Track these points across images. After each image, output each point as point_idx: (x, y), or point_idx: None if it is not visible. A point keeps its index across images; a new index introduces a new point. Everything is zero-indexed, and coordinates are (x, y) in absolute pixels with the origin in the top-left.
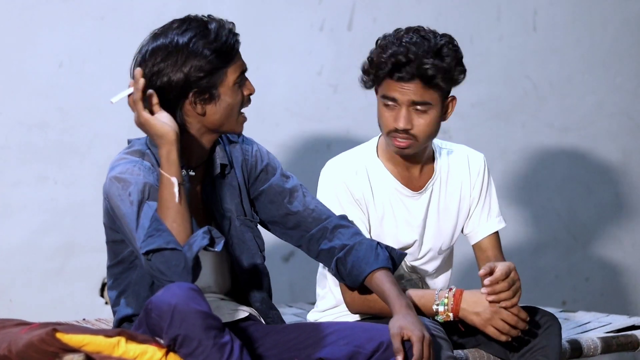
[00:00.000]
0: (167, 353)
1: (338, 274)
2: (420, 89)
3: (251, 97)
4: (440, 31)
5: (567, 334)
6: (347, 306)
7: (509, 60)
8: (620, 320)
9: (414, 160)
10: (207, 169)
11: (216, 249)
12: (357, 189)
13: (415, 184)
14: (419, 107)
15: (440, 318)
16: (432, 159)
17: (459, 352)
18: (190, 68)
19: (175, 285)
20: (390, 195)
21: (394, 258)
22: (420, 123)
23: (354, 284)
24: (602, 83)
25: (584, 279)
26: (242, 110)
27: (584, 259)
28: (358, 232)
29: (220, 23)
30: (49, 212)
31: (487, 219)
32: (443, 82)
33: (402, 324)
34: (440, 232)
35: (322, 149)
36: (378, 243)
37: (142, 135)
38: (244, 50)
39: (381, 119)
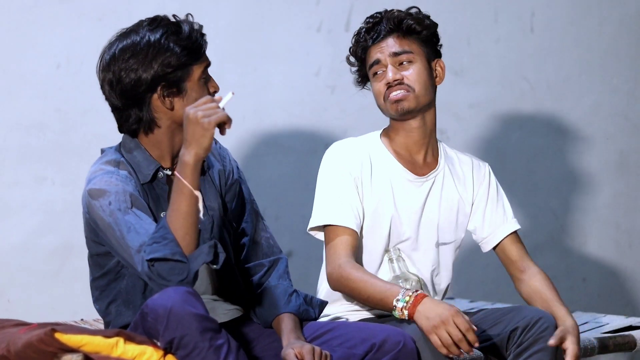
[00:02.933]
0: (165, 354)
1: (252, 310)
2: (396, 39)
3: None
4: (438, 33)
5: None
6: (327, 280)
7: (506, 62)
8: (617, 321)
9: (420, 139)
10: None
11: (216, 266)
12: (356, 166)
13: (419, 171)
14: (401, 58)
15: (396, 314)
16: (436, 153)
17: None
18: (160, 63)
19: (171, 289)
20: (391, 177)
21: (312, 307)
22: (409, 73)
23: (265, 324)
24: (599, 84)
25: (581, 279)
26: None
27: (581, 259)
28: (282, 275)
29: (190, 24)
30: (47, 213)
31: (503, 220)
32: (416, 24)
33: (292, 345)
34: (438, 224)
35: (319, 149)
36: (295, 290)
37: (114, 144)
38: (242, 51)
39: (374, 90)
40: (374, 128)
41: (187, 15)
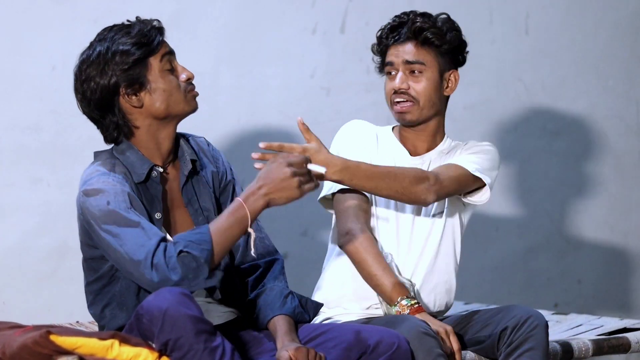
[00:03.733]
0: (160, 356)
1: (247, 311)
2: (413, 48)
3: (192, 80)
4: (465, 41)
5: (558, 336)
6: (339, 243)
7: (501, 64)
8: (612, 323)
9: (423, 143)
10: (179, 166)
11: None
12: (370, 140)
13: (418, 153)
14: (413, 67)
15: (394, 309)
16: (442, 138)
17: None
18: (113, 66)
19: (166, 290)
20: (395, 157)
21: (308, 309)
22: (417, 85)
23: (260, 326)
24: (594, 86)
25: (575, 281)
26: (191, 90)
27: (576, 261)
28: (277, 276)
29: (142, 21)
30: (43, 214)
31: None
32: (434, 37)
33: (286, 347)
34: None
35: None
36: (290, 292)
37: (108, 146)
38: (238, 52)
39: (385, 90)
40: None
41: (137, 17)
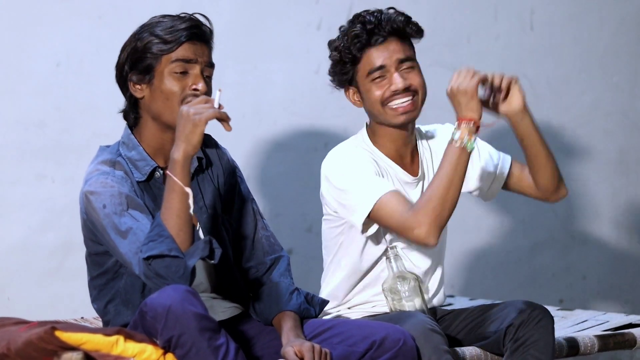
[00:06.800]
0: (165, 353)
1: (253, 307)
2: (399, 45)
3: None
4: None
5: (564, 332)
6: (414, 237)
7: (506, 59)
8: (617, 319)
9: (406, 142)
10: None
11: (213, 261)
12: (371, 163)
13: (411, 170)
14: (406, 64)
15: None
16: (415, 144)
17: (453, 348)
18: (132, 47)
19: (170, 287)
20: (394, 180)
21: (313, 305)
22: (415, 78)
23: (265, 322)
24: (599, 82)
25: (581, 277)
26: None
27: (581, 257)
28: (283, 273)
29: (183, 19)
30: (47, 211)
31: (497, 160)
32: (415, 31)
33: (291, 343)
34: None
35: (319, 147)
36: (296, 288)
37: (113, 142)
38: (242, 48)
39: (373, 95)
40: None
41: (193, 13)
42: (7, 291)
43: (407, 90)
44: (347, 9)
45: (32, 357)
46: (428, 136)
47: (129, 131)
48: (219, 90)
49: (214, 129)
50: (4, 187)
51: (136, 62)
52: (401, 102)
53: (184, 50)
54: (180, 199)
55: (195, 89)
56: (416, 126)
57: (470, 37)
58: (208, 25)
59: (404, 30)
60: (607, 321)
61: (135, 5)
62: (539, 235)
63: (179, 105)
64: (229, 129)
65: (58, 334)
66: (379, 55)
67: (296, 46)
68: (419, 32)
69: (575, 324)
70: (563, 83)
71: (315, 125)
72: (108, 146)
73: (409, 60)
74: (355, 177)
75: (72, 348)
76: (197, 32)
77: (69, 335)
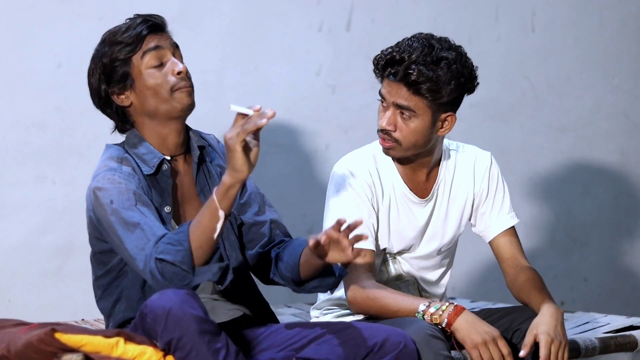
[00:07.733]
0: (165, 355)
1: (277, 270)
2: (405, 92)
3: (187, 75)
4: (438, 32)
5: None
6: (349, 305)
7: (507, 61)
8: (619, 321)
9: (419, 164)
10: (191, 160)
11: (220, 287)
12: (370, 188)
13: (422, 189)
14: (403, 111)
15: (425, 317)
16: (439, 162)
17: (456, 353)
18: (100, 67)
19: (171, 290)
20: (397, 199)
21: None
22: (404, 128)
23: (293, 273)
24: (600, 83)
25: (582, 279)
26: (182, 87)
27: (582, 259)
28: (298, 238)
29: (133, 19)
30: (48, 212)
31: (497, 216)
32: (428, 93)
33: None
34: (441, 235)
35: (320, 149)
36: None
37: (114, 142)
38: (243, 50)
39: (378, 116)
40: (375, 127)
41: (134, 15)
42: (8, 293)
43: (384, 132)
44: (348, 10)
45: (32, 358)
46: (457, 157)
47: (132, 133)
48: (250, 109)
49: (215, 128)
50: (4, 188)
51: (110, 75)
52: (383, 138)
53: (148, 43)
54: (211, 218)
55: (179, 73)
56: (447, 142)
57: (471, 39)
58: (159, 16)
59: (417, 85)
60: (608, 323)
61: (136, 6)
62: (540, 238)
63: (169, 94)
64: (265, 122)
65: (58, 335)
66: (386, 87)
67: (297, 48)
68: (437, 94)
69: (576, 326)
70: (564, 84)
71: (316, 126)
72: (114, 144)
73: (409, 111)
74: (339, 198)
75: (72, 350)
76: (153, 23)
77: (69, 337)
